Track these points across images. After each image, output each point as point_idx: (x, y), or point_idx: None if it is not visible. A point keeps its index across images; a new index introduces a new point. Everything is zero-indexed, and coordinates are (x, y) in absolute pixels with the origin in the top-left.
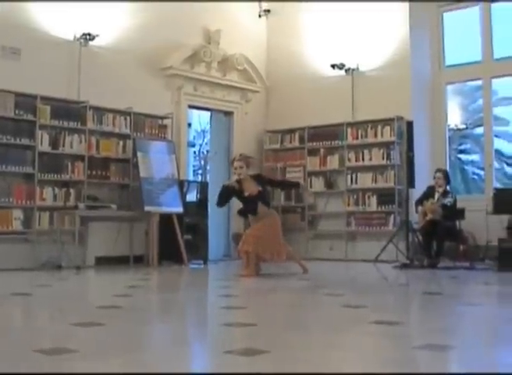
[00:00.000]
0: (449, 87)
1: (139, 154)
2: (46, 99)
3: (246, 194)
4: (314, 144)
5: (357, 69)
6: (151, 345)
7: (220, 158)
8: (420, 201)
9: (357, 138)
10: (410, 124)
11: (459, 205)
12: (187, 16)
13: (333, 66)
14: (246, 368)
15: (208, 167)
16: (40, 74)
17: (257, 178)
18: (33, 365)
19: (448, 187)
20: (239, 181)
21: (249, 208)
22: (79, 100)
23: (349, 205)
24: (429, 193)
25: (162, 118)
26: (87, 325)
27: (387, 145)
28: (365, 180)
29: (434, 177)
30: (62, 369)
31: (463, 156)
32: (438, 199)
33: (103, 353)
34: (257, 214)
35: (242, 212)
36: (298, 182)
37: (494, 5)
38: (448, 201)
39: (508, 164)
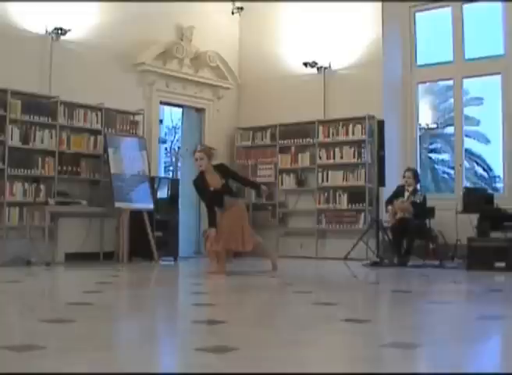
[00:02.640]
0: (421, 87)
1: (110, 150)
2: (17, 94)
3: (211, 188)
4: (286, 141)
5: (329, 67)
6: (121, 342)
7: (191, 154)
8: (390, 201)
9: (329, 136)
10: (381, 123)
11: (429, 203)
12: (160, 12)
13: (305, 64)
14: (216, 365)
15: (180, 164)
16: (11, 68)
17: (220, 168)
18: (1, 362)
19: (418, 186)
20: (202, 173)
21: (215, 202)
22: (50, 95)
23: (319, 202)
24: (399, 192)
25: (134, 114)
26: (57, 321)
27: (358, 144)
28: (336, 178)
29: (403, 176)
30: (31, 366)
31: (433, 155)
32: (408, 197)
33: (73, 350)
34: (225, 205)
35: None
36: (259, 185)
37: (466, 6)
38: (418, 198)
39: (478, 164)
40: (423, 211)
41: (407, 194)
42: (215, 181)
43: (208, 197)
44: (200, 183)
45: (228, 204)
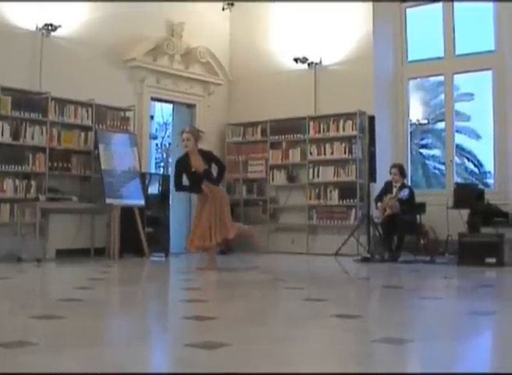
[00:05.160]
0: (412, 83)
1: (101, 146)
2: (7, 90)
3: (192, 169)
4: (277, 137)
5: (320, 63)
6: (112, 338)
7: (182, 151)
8: (379, 198)
9: (320, 132)
10: (372, 119)
11: (420, 199)
12: (150, 8)
13: (296, 60)
14: (206, 361)
15: (170, 160)
16: (2, 65)
17: (206, 155)
18: None
19: (405, 182)
20: (187, 155)
21: (193, 185)
22: (40, 91)
23: (310, 198)
24: (387, 188)
25: (124, 110)
26: (48, 318)
27: (349, 139)
28: (327, 174)
29: (390, 173)
30: (21, 362)
31: (424, 151)
32: (395, 194)
33: (63, 346)
34: (202, 192)
35: (184, 188)
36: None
37: (457, 2)
38: (403, 195)
39: (469, 159)
40: (411, 206)
41: (394, 190)
42: (198, 164)
43: (188, 177)
44: (183, 162)
45: (207, 191)
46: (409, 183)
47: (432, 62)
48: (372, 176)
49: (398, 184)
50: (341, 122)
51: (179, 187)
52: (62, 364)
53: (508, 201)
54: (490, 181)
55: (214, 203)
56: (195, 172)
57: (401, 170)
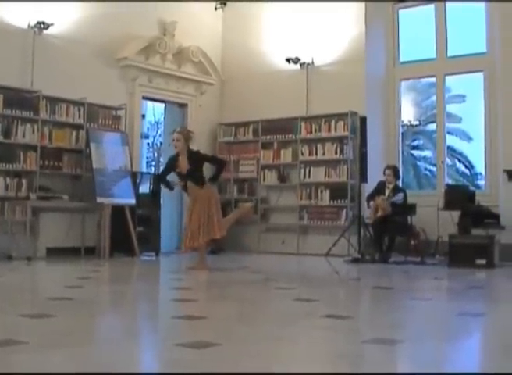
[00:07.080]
0: (403, 84)
1: (92, 145)
2: None
3: (177, 169)
4: (268, 137)
5: (312, 63)
6: (101, 338)
7: (173, 150)
8: (371, 197)
9: (311, 132)
10: (363, 119)
11: (411, 200)
12: (143, 6)
13: (288, 60)
14: (196, 360)
15: (162, 159)
16: None
17: (193, 156)
18: None
19: (398, 183)
20: (177, 155)
21: (181, 185)
22: (32, 89)
23: (301, 198)
24: (380, 189)
25: (116, 109)
26: (38, 316)
27: (340, 140)
28: (318, 175)
29: (384, 174)
30: (11, 361)
31: (415, 152)
32: (388, 196)
33: (53, 345)
34: (189, 192)
35: (164, 182)
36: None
37: (449, 4)
38: (397, 199)
39: (460, 161)
40: (403, 208)
41: (387, 191)
42: (183, 165)
43: (177, 176)
44: (172, 161)
45: (196, 191)
46: (400, 185)
47: (423, 63)
48: (363, 177)
49: (391, 185)
50: (333, 122)
51: (160, 180)
52: (53, 363)
53: (499, 202)
54: (481, 183)
55: (203, 203)
56: (179, 172)
57: (395, 171)
